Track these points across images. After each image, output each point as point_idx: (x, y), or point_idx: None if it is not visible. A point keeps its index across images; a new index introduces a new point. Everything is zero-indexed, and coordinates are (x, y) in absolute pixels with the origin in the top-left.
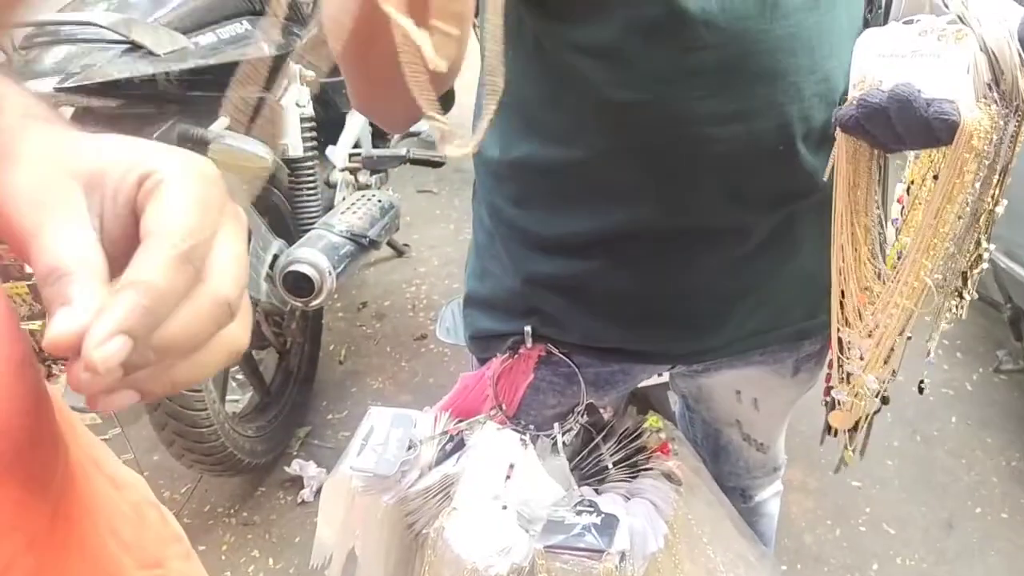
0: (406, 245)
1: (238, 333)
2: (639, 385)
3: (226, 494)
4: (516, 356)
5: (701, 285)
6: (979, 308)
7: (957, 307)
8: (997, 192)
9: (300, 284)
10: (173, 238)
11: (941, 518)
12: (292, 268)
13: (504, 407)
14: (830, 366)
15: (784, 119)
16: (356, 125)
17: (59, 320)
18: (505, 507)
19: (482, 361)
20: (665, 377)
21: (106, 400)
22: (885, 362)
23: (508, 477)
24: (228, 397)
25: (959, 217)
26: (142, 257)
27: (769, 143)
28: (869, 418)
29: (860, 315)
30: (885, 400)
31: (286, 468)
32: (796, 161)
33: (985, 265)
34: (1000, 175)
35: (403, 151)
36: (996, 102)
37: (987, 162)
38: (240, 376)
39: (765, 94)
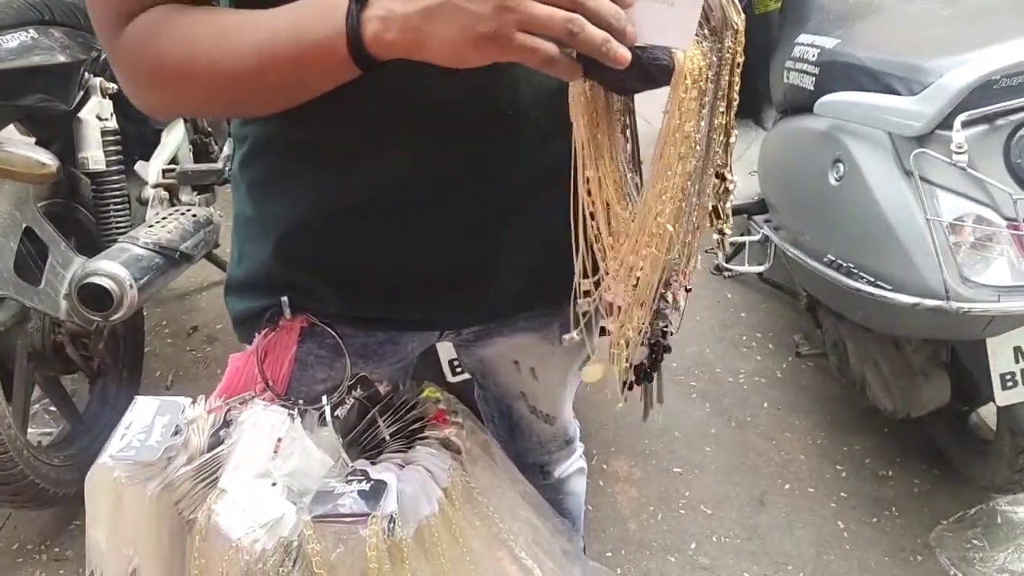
0: None
1: None
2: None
3: (36, 530)
4: (278, 329)
5: (451, 251)
6: (786, 301)
7: (721, 243)
8: (727, 120)
9: (97, 297)
10: None
11: (753, 496)
12: (88, 280)
13: (273, 385)
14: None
15: (514, 81)
16: (173, 142)
17: None
18: (274, 483)
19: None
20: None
21: None
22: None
23: (276, 453)
24: (42, 430)
25: (690, 157)
26: None
27: (502, 105)
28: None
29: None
30: (667, 348)
31: None
32: (527, 124)
33: (733, 198)
34: (725, 104)
35: (220, 165)
36: (706, 38)
37: (708, 98)
38: (53, 409)
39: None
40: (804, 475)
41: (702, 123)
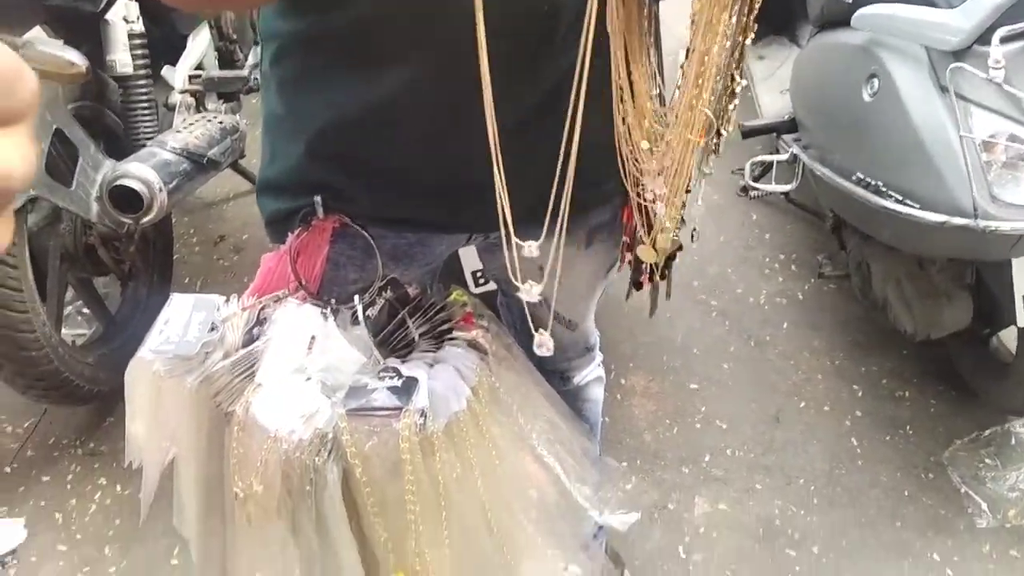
0: None
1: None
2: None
3: (72, 427)
4: (310, 229)
5: (479, 152)
6: (811, 222)
7: (716, 145)
8: (749, 21)
9: (128, 200)
10: None
11: (769, 413)
12: (118, 182)
13: (305, 284)
14: (628, 221)
15: None
16: (199, 47)
17: None
18: (309, 378)
19: None
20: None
21: None
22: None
23: (310, 350)
24: (75, 331)
25: (721, 49)
26: None
27: (538, 2)
28: (668, 266)
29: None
30: (680, 246)
31: None
32: (561, 22)
33: (737, 101)
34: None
35: (246, 72)
36: None
37: None
38: (86, 311)
39: None
40: (820, 394)
41: (732, 18)
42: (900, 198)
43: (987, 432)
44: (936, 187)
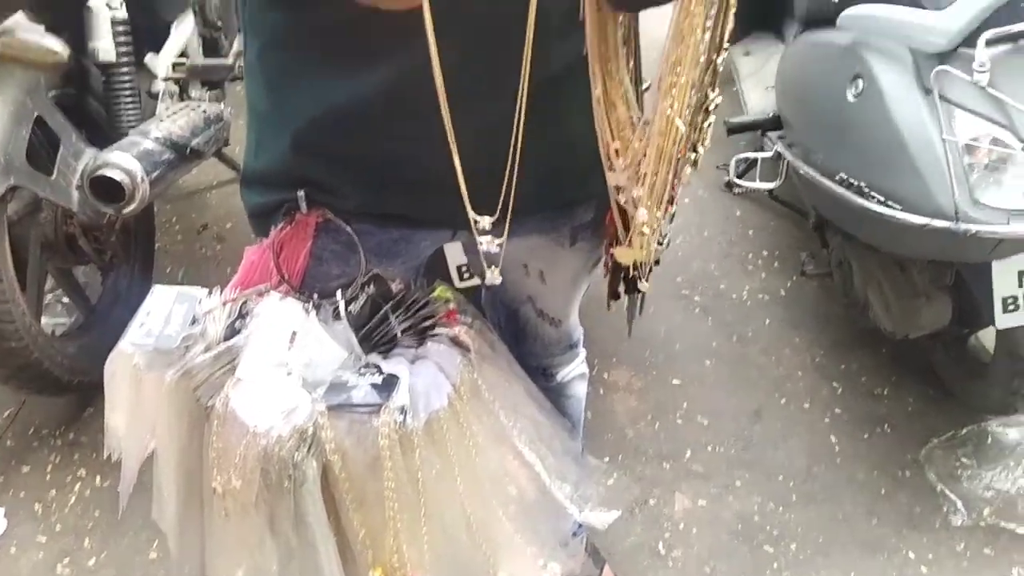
0: None
1: None
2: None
3: (52, 417)
4: (294, 223)
5: (468, 148)
6: (794, 220)
7: (695, 159)
8: (721, 38)
9: (109, 189)
10: None
11: (750, 409)
12: (100, 172)
13: (288, 278)
14: (610, 224)
15: None
16: (182, 34)
17: None
18: (289, 373)
19: None
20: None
21: None
22: (659, 205)
23: (291, 344)
24: (55, 320)
25: (695, 62)
26: None
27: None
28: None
29: (619, 157)
30: (656, 261)
31: None
32: (546, 20)
33: (713, 118)
34: (722, 18)
35: (231, 61)
36: None
37: (712, 10)
38: (66, 300)
39: None
40: (800, 391)
41: (708, 22)
42: (882, 199)
43: (964, 431)
44: (918, 189)
